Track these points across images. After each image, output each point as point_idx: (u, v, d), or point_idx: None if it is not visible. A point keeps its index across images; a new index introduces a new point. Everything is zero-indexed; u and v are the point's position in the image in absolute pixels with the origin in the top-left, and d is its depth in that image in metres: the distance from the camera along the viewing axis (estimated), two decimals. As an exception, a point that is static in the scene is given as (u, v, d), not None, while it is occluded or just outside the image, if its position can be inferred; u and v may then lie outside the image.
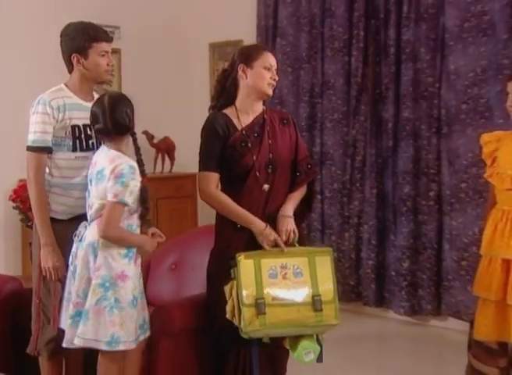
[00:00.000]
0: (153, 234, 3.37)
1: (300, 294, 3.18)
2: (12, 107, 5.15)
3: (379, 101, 5.43)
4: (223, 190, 3.35)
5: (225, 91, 3.40)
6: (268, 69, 3.31)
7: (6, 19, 5.25)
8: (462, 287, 5.01)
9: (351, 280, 5.64)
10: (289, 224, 3.28)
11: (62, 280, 3.31)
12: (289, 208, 3.37)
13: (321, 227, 5.74)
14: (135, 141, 3.27)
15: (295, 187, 3.41)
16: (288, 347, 3.20)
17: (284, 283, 3.19)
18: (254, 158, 3.28)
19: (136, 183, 3.13)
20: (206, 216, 5.54)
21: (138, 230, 3.26)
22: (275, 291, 3.18)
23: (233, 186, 3.33)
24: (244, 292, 3.18)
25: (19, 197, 4.65)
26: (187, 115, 6.23)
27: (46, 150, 3.30)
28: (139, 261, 3.27)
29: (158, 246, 3.39)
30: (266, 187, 3.30)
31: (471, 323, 3.58)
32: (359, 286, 5.63)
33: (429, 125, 5.20)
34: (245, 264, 3.20)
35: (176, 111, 6.20)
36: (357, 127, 5.52)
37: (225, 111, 3.36)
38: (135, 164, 3.16)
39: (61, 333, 3.23)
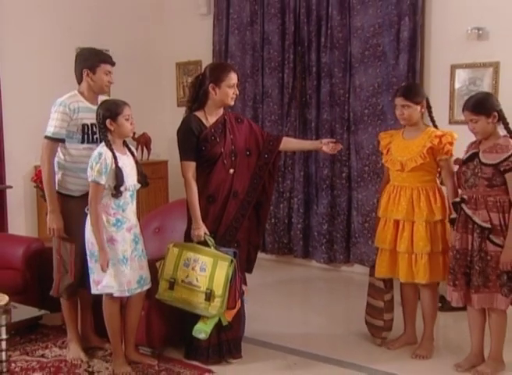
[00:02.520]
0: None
1: (199, 284, 3.23)
2: (27, 108, 5.14)
3: (305, 107, 5.46)
4: (199, 174, 3.36)
5: (198, 97, 3.40)
6: (232, 87, 3.36)
7: (23, 39, 5.18)
8: (365, 242, 5.13)
9: (284, 239, 5.66)
10: None
11: (62, 238, 3.35)
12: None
13: None
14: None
15: (276, 147, 3.46)
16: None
17: (191, 273, 3.26)
18: (222, 149, 3.34)
19: (101, 166, 3.07)
20: (175, 193, 5.73)
21: (129, 207, 3.20)
22: (184, 276, 3.27)
23: (206, 170, 3.36)
24: (165, 270, 3.31)
25: (39, 179, 4.58)
26: (160, 116, 6.27)
27: (59, 140, 3.33)
28: (134, 229, 3.25)
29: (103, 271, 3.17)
30: (232, 171, 3.37)
31: (371, 268, 3.68)
32: (290, 243, 5.65)
33: (341, 124, 5.28)
34: (172, 251, 3.32)
35: (152, 113, 6.13)
36: (289, 126, 5.54)
37: (196, 113, 3.38)
38: (104, 151, 3.11)
39: (75, 280, 3.36)
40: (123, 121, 3.19)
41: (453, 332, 4.04)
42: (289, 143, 3.68)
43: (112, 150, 3.14)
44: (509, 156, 3.05)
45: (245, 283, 3.50)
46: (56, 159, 3.40)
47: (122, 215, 3.21)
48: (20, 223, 5.22)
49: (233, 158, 3.39)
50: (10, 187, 5.16)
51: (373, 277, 3.60)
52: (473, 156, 3.18)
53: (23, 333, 3.83)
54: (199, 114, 3.40)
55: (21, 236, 4.65)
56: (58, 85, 3.65)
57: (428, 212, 3.36)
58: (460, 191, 3.28)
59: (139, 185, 3.31)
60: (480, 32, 4.64)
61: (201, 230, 3.31)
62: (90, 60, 3.39)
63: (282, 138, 3.62)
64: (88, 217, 3.21)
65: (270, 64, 5.65)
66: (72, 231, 3.34)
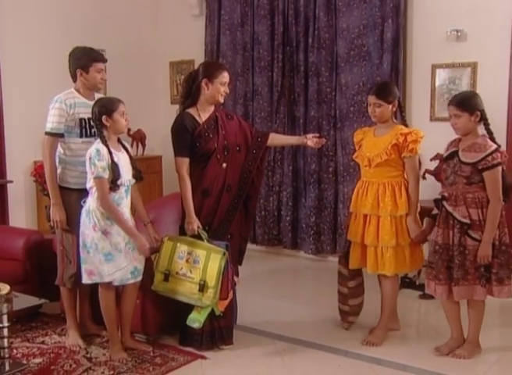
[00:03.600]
0: (155, 239, 3.34)
1: (193, 275, 3.25)
2: (27, 105, 5.13)
3: (293, 104, 5.47)
4: (193, 169, 3.36)
5: (190, 92, 3.40)
6: (223, 85, 3.37)
7: (23, 38, 5.17)
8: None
9: (274, 231, 5.67)
10: None
11: (65, 229, 3.38)
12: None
13: None
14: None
15: (264, 142, 3.48)
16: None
17: (185, 265, 3.27)
18: (216, 144, 3.35)
19: (102, 162, 3.09)
20: (169, 187, 5.72)
21: (123, 201, 3.21)
22: (178, 269, 3.29)
23: (200, 165, 3.37)
24: (160, 263, 3.33)
25: (38, 173, 4.71)
26: (154, 113, 6.25)
27: (59, 135, 3.34)
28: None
29: (148, 255, 3.26)
30: (224, 165, 3.37)
31: (340, 257, 3.68)
32: (279, 234, 5.67)
33: (328, 121, 5.29)
34: (167, 244, 3.33)
35: (146, 110, 6.11)
36: (278, 122, 5.55)
37: (189, 110, 3.38)
38: (100, 147, 3.12)
39: (78, 271, 3.37)
40: (118, 117, 3.20)
41: (434, 318, 4.08)
42: (276, 139, 3.69)
43: (107, 146, 3.15)
44: (486, 156, 3.07)
45: (237, 275, 3.52)
46: (57, 154, 3.40)
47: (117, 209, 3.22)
48: (21, 216, 5.23)
49: (226, 153, 3.39)
50: (11, 181, 5.17)
51: (341, 265, 3.63)
52: (453, 155, 3.19)
53: (24, 321, 3.85)
54: (192, 111, 3.40)
55: (21, 228, 4.66)
56: (57, 83, 3.65)
57: (392, 206, 3.36)
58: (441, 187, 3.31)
59: (133, 180, 3.32)
60: (459, 34, 4.69)
61: (195, 223, 3.32)
62: (83, 60, 3.39)
63: (270, 134, 3.63)
64: (84, 209, 3.22)
65: (260, 63, 5.66)
66: (73, 223, 3.35)
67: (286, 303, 3.72)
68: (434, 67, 4.85)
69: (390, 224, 3.37)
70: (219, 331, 3.47)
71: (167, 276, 3.31)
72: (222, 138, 3.39)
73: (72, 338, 3.55)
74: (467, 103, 3.12)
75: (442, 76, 4.84)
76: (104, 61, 3.45)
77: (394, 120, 3.47)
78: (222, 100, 3.43)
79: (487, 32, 4.61)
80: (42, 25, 5.38)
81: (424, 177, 4.59)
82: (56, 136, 3.35)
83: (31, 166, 5.15)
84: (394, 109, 3.43)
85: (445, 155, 3.25)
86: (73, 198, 3.38)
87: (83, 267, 3.26)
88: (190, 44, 6.12)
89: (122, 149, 3.32)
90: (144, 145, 6.14)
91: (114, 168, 3.11)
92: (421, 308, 4.32)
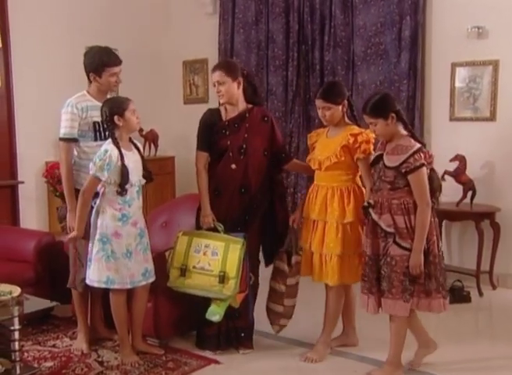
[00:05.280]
0: None
1: (211, 268, 3.25)
2: (38, 106, 5.16)
3: (308, 104, 5.45)
4: (210, 165, 3.39)
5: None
6: (214, 86, 3.37)
7: (35, 38, 5.19)
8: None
9: None
10: None
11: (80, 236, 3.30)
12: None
13: None
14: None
15: (286, 162, 3.49)
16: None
17: (203, 258, 3.28)
18: (228, 142, 3.34)
19: (104, 163, 3.08)
20: (182, 188, 5.76)
21: (135, 202, 3.20)
22: (195, 262, 3.28)
23: (215, 162, 3.39)
24: (175, 258, 3.32)
25: (50, 174, 4.74)
26: (167, 113, 6.21)
27: (73, 140, 3.35)
28: (139, 224, 3.26)
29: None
30: (233, 166, 3.35)
31: (281, 252, 3.46)
32: None
33: None
34: (182, 239, 3.34)
35: (159, 110, 6.04)
36: (293, 122, 5.55)
37: (220, 107, 3.45)
38: (110, 148, 3.12)
39: None
40: (130, 116, 3.21)
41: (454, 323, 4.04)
42: (295, 165, 3.74)
43: (118, 147, 3.15)
44: (408, 157, 2.91)
45: (256, 273, 3.52)
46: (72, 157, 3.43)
47: (128, 210, 3.22)
48: (32, 218, 5.25)
49: (241, 155, 3.37)
50: (22, 182, 5.20)
51: (280, 261, 3.45)
52: (378, 159, 3.07)
53: (35, 324, 3.86)
54: (221, 107, 3.45)
55: (32, 230, 4.67)
56: (69, 82, 3.69)
57: (339, 212, 3.22)
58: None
59: (144, 181, 3.31)
60: (480, 30, 4.65)
61: (210, 217, 3.34)
62: (95, 64, 3.36)
63: (292, 160, 3.64)
64: (93, 210, 3.23)
65: (274, 62, 5.67)
66: (87, 227, 3.33)
67: (303, 307, 3.68)
68: (454, 65, 4.82)
69: (336, 231, 3.21)
70: (235, 331, 3.48)
71: (183, 271, 3.31)
72: (241, 139, 3.37)
73: (77, 342, 3.57)
74: (378, 109, 2.99)
75: (462, 74, 4.81)
76: (118, 64, 3.39)
77: (346, 120, 3.34)
78: (221, 100, 3.39)
79: (509, 29, 4.57)
80: (54, 24, 5.41)
81: (443, 179, 4.57)
82: (70, 141, 3.35)
83: (43, 167, 5.17)
84: (344, 109, 3.31)
85: (371, 160, 3.13)
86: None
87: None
88: (204, 42, 6.14)
89: (134, 149, 3.32)
90: (156, 146, 6.16)
91: (123, 171, 3.11)
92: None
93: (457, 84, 4.83)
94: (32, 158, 5.23)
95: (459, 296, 4.36)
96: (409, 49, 4.92)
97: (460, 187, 4.60)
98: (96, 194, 3.25)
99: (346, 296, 3.44)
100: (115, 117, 3.18)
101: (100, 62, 3.35)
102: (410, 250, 2.93)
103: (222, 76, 3.34)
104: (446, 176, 4.55)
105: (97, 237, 3.19)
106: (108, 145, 3.16)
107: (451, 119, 4.87)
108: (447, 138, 4.86)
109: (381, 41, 5.07)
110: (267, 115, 3.52)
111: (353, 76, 5.26)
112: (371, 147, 3.19)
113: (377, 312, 3.09)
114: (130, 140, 3.33)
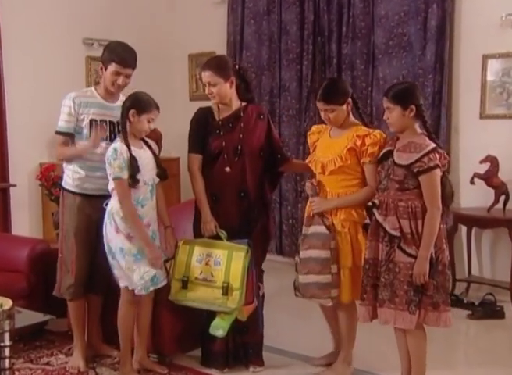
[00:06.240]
0: (170, 245, 3.36)
1: (214, 278, 3.23)
2: (32, 104, 5.17)
3: None
4: (203, 169, 3.37)
5: None
6: (205, 86, 3.36)
7: (35, 31, 5.22)
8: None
9: None
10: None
11: (65, 234, 3.37)
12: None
13: (279, 200, 5.75)
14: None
15: (282, 164, 3.48)
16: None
17: (205, 269, 3.26)
18: (223, 144, 3.33)
19: (119, 161, 3.13)
20: (187, 191, 5.79)
21: (149, 202, 3.24)
22: (197, 273, 3.27)
23: (209, 165, 3.37)
24: (176, 269, 3.31)
25: (44, 177, 4.71)
26: (171, 111, 6.00)
27: (68, 134, 3.37)
28: (152, 226, 3.27)
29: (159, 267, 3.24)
30: (227, 169, 3.33)
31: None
32: None
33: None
34: (183, 248, 3.34)
35: (163, 108, 5.90)
36: (308, 121, 5.50)
37: (212, 105, 3.43)
38: (118, 146, 3.16)
39: (77, 281, 3.37)
40: (144, 120, 3.24)
41: (485, 341, 4.00)
42: (292, 166, 3.74)
43: (127, 143, 3.18)
44: (422, 156, 2.86)
45: (260, 281, 3.49)
46: None
47: (141, 211, 3.23)
48: (24, 224, 5.26)
49: (236, 157, 3.35)
50: (14, 185, 5.22)
51: (315, 226, 3.23)
52: (387, 155, 3.01)
53: (28, 340, 3.83)
54: (214, 106, 3.43)
55: (25, 237, 4.67)
56: (66, 80, 3.73)
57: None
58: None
59: (157, 179, 3.33)
60: (515, 19, 4.63)
61: (212, 223, 3.32)
62: (105, 56, 3.39)
63: (289, 161, 3.62)
64: (106, 212, 3.24)
65: (288, 56, 5.68)
66: (80, 230, 3.37)
67: (317, 321, 3.66)
68: (485, 57, 4.78)
69: (345, 241, 3.17)
70: (243, 348, 3.46)
71: (185, 283, 3.30)
72: (237, 140, 3.36)
73: (73, 359, 3.54)
74: (399, 95, 2.96)
75: (494, 67, 4.77)
76: (126, 65, 3.35)
77: (352, 119, 3.29)
78: (212, 101, 3.38)
79: (549, 16, 4.54)
80: (50, 16, 5.42)
81: (472, 182, 4.54)
82: (65, 135, 3.39)
83: (36, 169, 5.17)
84: (349, 108, 3.26)
85: (379, 156, 3.07)
86: (78, 202, 3.40)
87: (114, 273, 3.29)
88: (211, 34, 6.14)
89: (145, 146, 3.33)
90: (160, 146, 6.05)
91: (132, 162, 3.14)
92: (469, 329, 4.24)
93: (489, 78, 4.80)
94: (25, 159, 5.24)
95: (491, 311, 4.31)
96: (435, 40, 4.90)
97: (491, 191, 4.56)
98: (88, 200, 3.33)
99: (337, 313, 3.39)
100: (132, 111, 3.22)
101: (110, 56, 3.36)
102: (415, 257, 2.88)
103: (213, 77, 3.32)
104: (476, 180, 4.53)
105: (117, 245, 3.19)
106: (116, 143, 3.21)
107: (481, 117, 4.83)
108: (477, 137, 4.83)
109: (404, 32, 5.05)
110: (263, 112, 3.52)
111: (373, 70, 5.25)
112: (378, 150, 3.10)
113: (368, 321, 3.02)
114: (142, 138, 3.35)
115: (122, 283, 3.28)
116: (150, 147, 3.36)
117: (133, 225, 3.18)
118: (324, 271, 3.16)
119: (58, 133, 3.40)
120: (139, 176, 3.17)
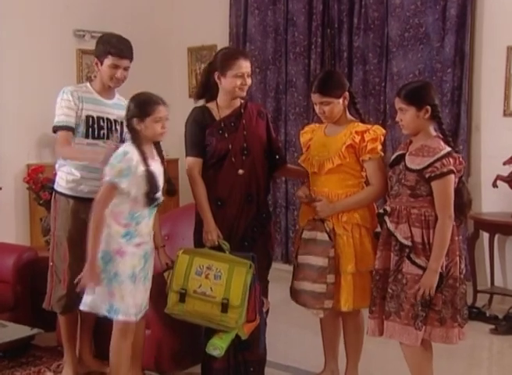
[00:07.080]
0: (167, 264, 3.29)
1: (214, 293, 3.18)
2: (20, 103, 5.18)
3: None
4: (205, 173, 3.33)
5: (207, 86, 3.40)
6: (240, 77, 3.28)
7: (21, 22, 5.25)
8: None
9: None
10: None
11: (57, 241, 3.35)
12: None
13: (285, 204, 5.78)
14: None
15: (278, 167, 3.47)
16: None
17: (204, 282, 3.20)
18: (230, 146, 3.30)
19: (124, 167, 2.96)
20: (187, 195, 5.86)
21: (145, 221, 3.10)
22: (196, 286, 3.21)
23: (213, 169, 3.33)
24: (175, 280, 3.24)
25: (32, 179, 4.69)
26: (170, 108, 6.26)
27: (69, 129, 3.33)
28: (144, 246, 3.14)
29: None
30: (241, 171, 3.31)
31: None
32: None
33: (376, 117, 5.27)
34: (182, 258, 3.26)
35: None
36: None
37: (208, 104, 3.38)
38: (130, 150, 2.99)
39: (70, 292, 3.26)
40: (152, 124, 3.06)
41: (510, 358, 3.96)
42: (287, 171, 3.71)
43: (141, 150, 3.02)
44: (434, 161, 2.84)
45: (265, 296, 3.46)
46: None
47: (135, 228, 3.09)
48: (10, 230, 5.29)
49: (244, 158, 3.34)
50: (-1, 188, 5.24)
51: (314, 232, 3.24)
52: (399, 159, 2.99)
53: (13, 356, 3.79)
54: (211, 105, 3.39)
55: (11, 244, 4.65)
56: (56, 77, 3.73)
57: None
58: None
59: (162, 198, 3.16)
60: (543, 6, 4.67)
61: (214, 233, 3.27)
62: (99, 50, 3.39)
63: (285, 165, 3.61)
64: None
65: (295, 49, 5.71)
66: (73, 235, 3.35)
67: (317, 334, 3.67)
68: (510, 49, 4.78)
69: (347, 244, 3.17)
70: (245, 366, 3.43)
71: (183, 296, 3.23)
72: (242, 139, 3.35)
73: (63, 376, 3.52)
74: (414, 95, 2.94)
75: (520, 60, 4.79)
76: (125, 57, 3.37)
77: (348, 116, 3.29)
78: (241, 94, 3.34)
79: None
80: (38, 6, 5.41)
81: (495, 185, 4.51)
82: (65, 129, 3.33)
83: (24, 171, 5.19)
84: (346, 103, 3.25)
85: (391, 160, 3.05)
86: (71, 206, 3.38)
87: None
88: (212, 26, 6.18)
89: (157, 157, 3.19)
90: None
91: (150, 178, 3.00)
92: (493, 345, 4.22)
93: (514, 72, 4.82)
94: (11, 160, 5.28)
95: (517, 326, 4.27)
96: (455, 31, 4.92)
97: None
98: (83, 203, 3.24)
99: (336, 323, 3.41)
100: (134, 120, 3.06)
101: (105, 48, 3.36)
102: (425, 269, 2.85)
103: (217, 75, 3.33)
104: (499, 182, 4.52)
105: (99, 254, 3.04)
106: (128, 146, 3.03)
107: (505, 114, 4.84)
108: (500, 136, 4.83)
109: (421, 23, 5.06)
110: (262, 110, 3.55)
111: (387, 64, 5.26)
112: (379, 146, 3.12)
113: (376, 335, 3.01)
114: (154, 145, 3.19)
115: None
116: (162, 158, 3.20)
117: (91, 233, 3.00)
118: (319, 280, 3.16)
119: (58, 128, 3.35)
120: (158, 195, 3.05)
